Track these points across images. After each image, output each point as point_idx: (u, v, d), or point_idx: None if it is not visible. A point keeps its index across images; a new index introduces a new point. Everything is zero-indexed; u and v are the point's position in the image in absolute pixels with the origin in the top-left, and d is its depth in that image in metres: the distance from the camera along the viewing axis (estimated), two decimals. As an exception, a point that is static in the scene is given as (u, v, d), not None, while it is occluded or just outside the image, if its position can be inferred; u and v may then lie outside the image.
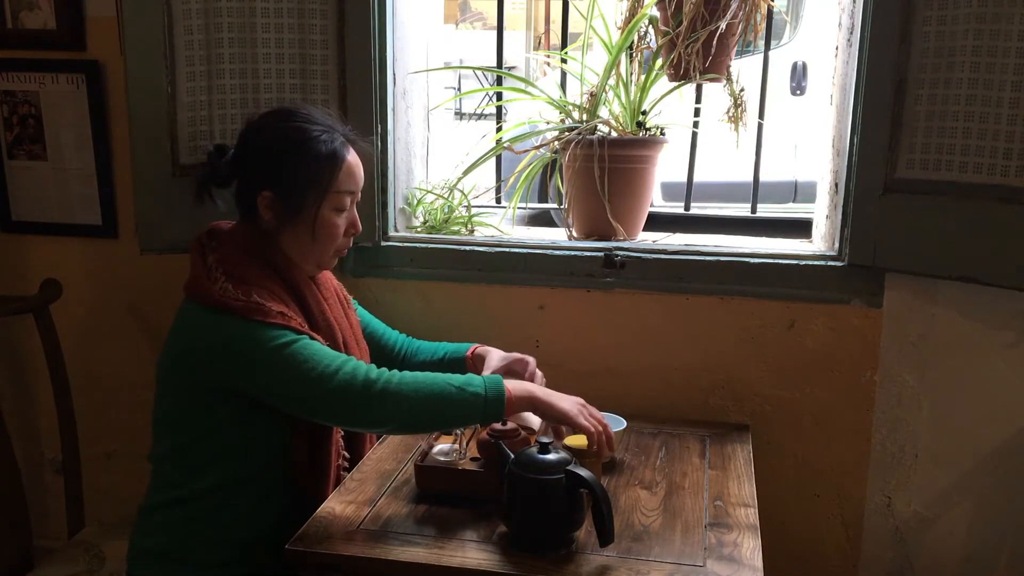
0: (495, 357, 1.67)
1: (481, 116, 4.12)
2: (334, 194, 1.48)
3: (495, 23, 2.25)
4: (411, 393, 1.35)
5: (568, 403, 1.42)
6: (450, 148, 2.29)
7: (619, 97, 1.98)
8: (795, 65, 4.31)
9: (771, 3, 1.87)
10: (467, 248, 1.93)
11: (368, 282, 1.97)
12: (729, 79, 1.91)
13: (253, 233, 1.51)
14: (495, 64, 2.17)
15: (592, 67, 1.98)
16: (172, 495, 1.50)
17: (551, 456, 1.29)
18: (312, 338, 1.42)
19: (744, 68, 1.94)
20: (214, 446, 1.48)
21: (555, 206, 2.25)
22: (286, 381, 1.38)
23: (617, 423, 1.61)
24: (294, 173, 1.46)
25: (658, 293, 1.86)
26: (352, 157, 1.51)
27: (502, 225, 2.09)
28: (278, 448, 1.49)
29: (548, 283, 1.90)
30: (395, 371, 1.38)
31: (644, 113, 1.98)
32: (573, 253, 1.88)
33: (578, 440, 1.47)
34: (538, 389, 1.43)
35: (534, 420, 1.55)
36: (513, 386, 1.39)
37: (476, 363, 1.69)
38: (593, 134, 1.91)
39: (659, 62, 1.92)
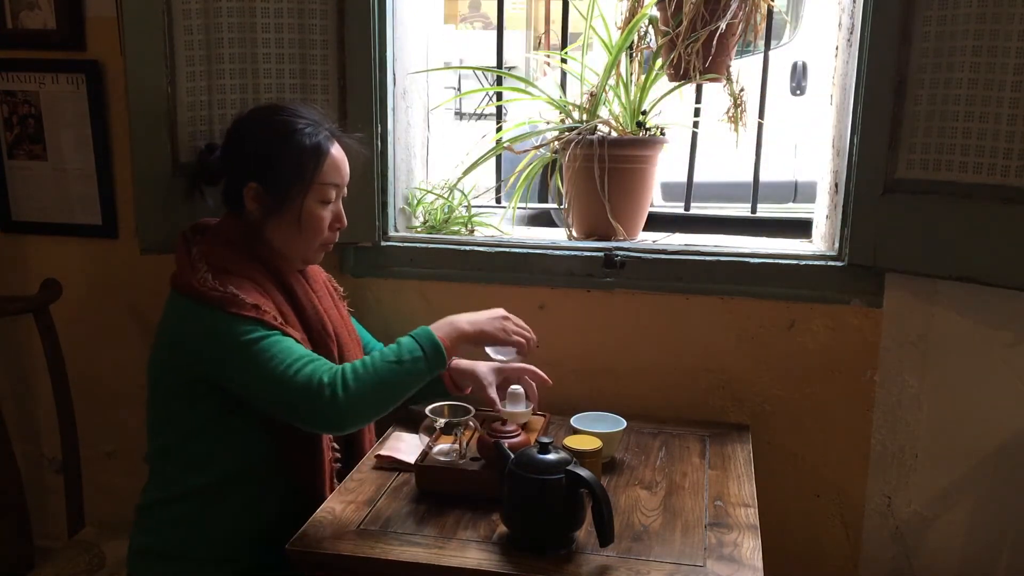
0: (484, 371, 1.64)
1: (481, 116, 4.12)
2: (319, 186, 1.50)
3: (495, 23, 2.25)
4: (363, 390, 1.36)
5: (490, 324, 1.51)
6: (450, 148, 2.29)
7: (619, 97, 1.98)
8: (795, 65, 4.32)
9: (771, 3, 1.87)
10: (467, 248, 1.93)
11: (368, 282, 1.97)
12: (729, 79, 1.91)
13: (239, 226, 1.52)
14: (495, 64, 2.17)
15: (592, 67, 1.98)
16: (167, 493, 1.51)
17: (551, 456, 1.29)
18: (285, 334, 1.42)
19: (744, 68, 1.94)
20: (204, 443, 1.49)
21: (555, 206, 2.25)
22: (251, 377, 1.39)
23: (617, 423, 1.61)
24: (279, 164, 1.48)
25: (658, 293, 1.86)
26: (336, 151, 1.53)
27: (502, 225, 2.09)
28: (269, 443, 1.49)
29: (548, 283, 1.90)
30: (347, 369, 1.38)
31: (644, 113, 1.98)
32: (573, 253, 1.88)
33: (578, 440, 1.47)
34: (461, 320, 1.48)
35: (520, 408, 1.63)
36: (441, 331, 1.45)
37: (454, 377, 1.66)
38: (593, 134, 1.91)
39: (659, 62, 1.92)
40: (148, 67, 1.72)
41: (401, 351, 1.40)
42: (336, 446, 1.59)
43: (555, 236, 2.03)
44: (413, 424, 1.66)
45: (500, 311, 1.55)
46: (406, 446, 1.61)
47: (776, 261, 1.81)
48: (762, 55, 2.05)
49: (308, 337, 1.53)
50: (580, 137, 1.90)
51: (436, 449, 1.53)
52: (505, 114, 2.32)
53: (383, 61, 1.86)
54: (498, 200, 2.28)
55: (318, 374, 1.36)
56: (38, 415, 2.24)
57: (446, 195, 2.07)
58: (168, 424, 1.52)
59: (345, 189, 1.57)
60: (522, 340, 1.54)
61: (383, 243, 1.95)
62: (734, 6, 1.79)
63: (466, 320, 1.49)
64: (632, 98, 1.97)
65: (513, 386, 1.65)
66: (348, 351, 1.61)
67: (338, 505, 1.43)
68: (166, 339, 1.49)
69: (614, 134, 1.95)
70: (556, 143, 1.96)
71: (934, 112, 1.60)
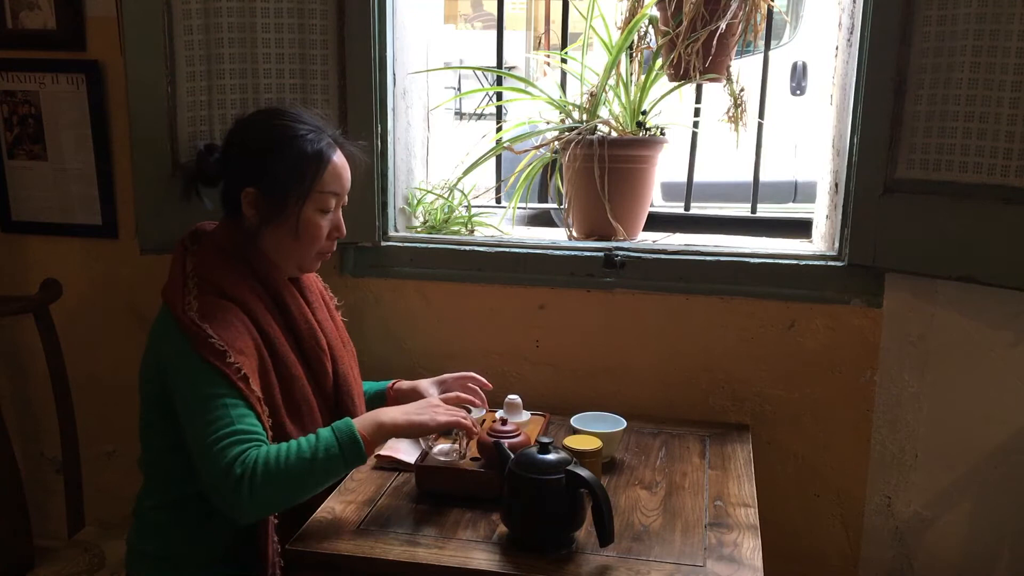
0: (425, 385, 1.66)
1: (481, 116, 4.13)
2: (318, 194, 1.46)
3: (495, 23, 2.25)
4: (269, 488, 1.29)
5: (420, 413, 1.41)
6: (450, 148, 2.29)
7: (619, 97, 1.98)
8: (795, 65, 4.32)
9: (771, 3, 1.87)
10: (467, 248, 1.93)
11: (368, 282, 1.97)
12: (729, 79, 1.91)
13: (235, 233, 1.49)
14: (495, 64, 2.17)
15: (592, 67, 1.98)
16: (160, 499, 1.50)
17: (551, 456, 1.29)
18: (242, 395, 1.34)
19: (744, 68, 1.94)
20: (186, 454, 1.46)
21: (555, 206, 2.25)
22: (188, 426, 1.35)
23: (617, 423, 1.61)
24: (278, 170, 1.45)
25: (658, 293, 1.86)
26: (339, 159, 1.49)
27: (502, 225, 2.09)
28: None
29: (548, 283, 1.90)
30: (259, 463, 1.29)
31: (644, 113, 1.98)
32: (573, 253, 1.88)
33: (578, 440, 1.47)
34: (386, 414, 1.39)
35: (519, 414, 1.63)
36: (364, 425, 1.36)
37: (398, 398, 1.66)
38: (593, 134, 1.91)
39: (659, 62, 1.92)
40: (148, 67, 1.72)
41: (318, 446, 1.32)
42: None
43: (555, 236, 2.03)
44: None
45: (430, 399, 1.50)
46: (406, 446, 1.61)
47: (776, 261, 1.81)
48: (762, 55, 2.05)
49: (301, 352, 1.51)
50: (580, 137, 1.90)
51: (436, 449, 1.53)
52: (505, 114, 2.32)
53: (383, 61, 1.86)
54: (498, 200, 2.28)
55: (236, 464, 1.28)
56: (38, 415, 2.24)
57: (446, 195, 2.08)
58: (153, 432, 1.50)
59: (346, 198, 1.53)
60: (456, 420, 1.42)
61: (383, 243, 1.95)
62: (734, 6, 1.79)
63: (397, 411, 1.41)
64: (632, 98, 1.97)
65: (510, 396, 1.64)
66: (342, 364, 1.59)
67: (338, 505, 1.43)
68: (151, 350, 1.48)
69: (614, 134, 1.95)
70: (556, 143, 1.96)
71: (934, 112, 1.60)
